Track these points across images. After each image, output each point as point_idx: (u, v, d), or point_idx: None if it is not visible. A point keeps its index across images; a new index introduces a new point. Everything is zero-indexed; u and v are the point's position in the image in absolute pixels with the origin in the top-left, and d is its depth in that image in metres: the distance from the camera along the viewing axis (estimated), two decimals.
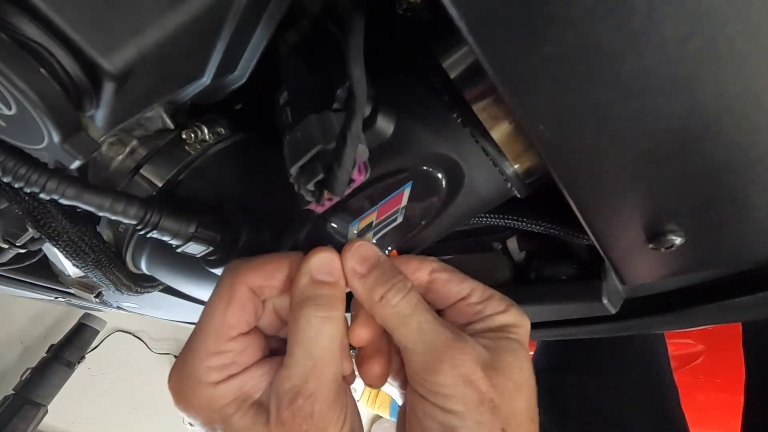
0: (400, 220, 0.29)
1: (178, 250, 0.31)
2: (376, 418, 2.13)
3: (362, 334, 0.28)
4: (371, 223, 0.28)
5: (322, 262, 0.26)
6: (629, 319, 0.40)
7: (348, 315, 0.28)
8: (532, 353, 0.87)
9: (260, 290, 0.27)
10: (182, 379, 0.25)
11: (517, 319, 0.28)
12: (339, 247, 0.27)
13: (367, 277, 0.26)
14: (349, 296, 0.28)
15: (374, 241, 0.28)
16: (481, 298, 0.28)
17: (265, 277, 0.27)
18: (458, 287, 0.28)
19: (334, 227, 0.28)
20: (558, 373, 0.75)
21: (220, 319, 0.25)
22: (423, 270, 0.28)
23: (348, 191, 0.24)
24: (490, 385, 0.25)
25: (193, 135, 0.32)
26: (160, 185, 0.32)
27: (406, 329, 0.26)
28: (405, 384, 0.28)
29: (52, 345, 1.42)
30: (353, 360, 0.29)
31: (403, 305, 0.26)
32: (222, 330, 0.25)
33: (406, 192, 0.28)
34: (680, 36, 0.17)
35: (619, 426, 0.66)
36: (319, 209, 0.24)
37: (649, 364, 0.76)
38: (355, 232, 0.28)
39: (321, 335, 0.25)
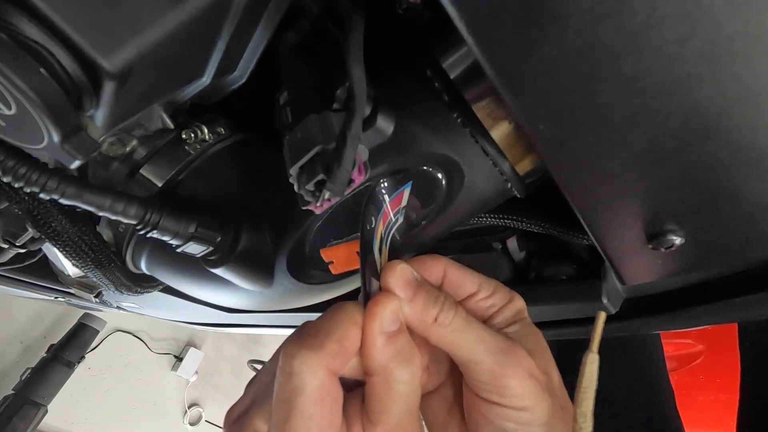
0: (400, 221, 0.29)
1: (178, 250, 0.31)
2: None
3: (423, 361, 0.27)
4: (382, 233, 0.27)
5: (391, 312, 0.24)
6: (629, 319, 0.40)
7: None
8: None
9: (341, 368, 0.24)
10: None
11: (521, 303, 0.29)
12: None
13: (415, 301, 0.25)
14: None
15: (388, 252, 0.28)
16: (488, 292, 0.28)
17: (346, 352, 0.24)
18: (470, 282, 0.28)
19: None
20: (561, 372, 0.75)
21: (326, 428, 0.23)
22: (438, 267, 0.28)
23: (348, 191, 0.24)
24: (541, 372, 0.26)
25: (192, 135, 0.32)
26: (160, 185, 0.32)
27: (467, 344, 0.25)
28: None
29: (52, 345, 1.43)
30: None
31: (458, 321, 0.25)
32: None
33: (407, 192, 0.28)
34: (680, 36, 0.17)
35: (616, 425, 0.66)
36: (319, 209, 0.24)
37: (646, 365, 0.76)
38: (377, 249, 0.27)
39: (413, 386, 0.24)
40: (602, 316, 0.29)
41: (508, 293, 0.29)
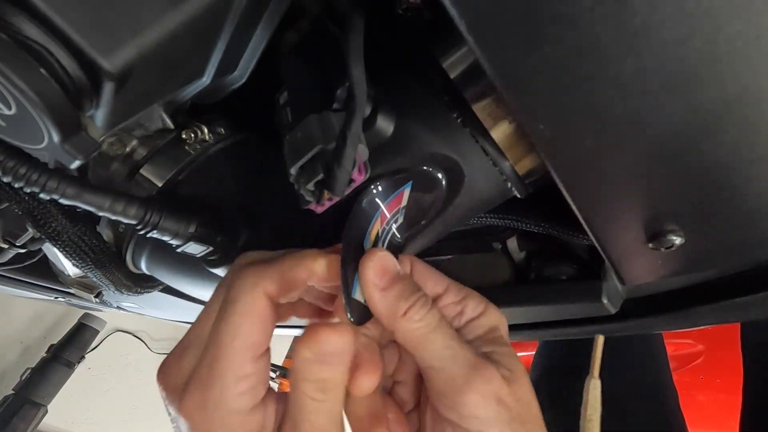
0: (400, 221, 0.29)
1: (178, 250, 0.31)
2: None
3: (368, 384, 0.25)
4: (378, 233, 0.27)
5: (328, 347, 0.23)
6: (629, 319, 0.40)
7: None
8: (533, 353, 0.87)
9: (281, 298, 0.25)
10: (207, 410, 0.22)
11: (498, 318, 0.27)
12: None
13: (389, 291, 0.25)
14: None
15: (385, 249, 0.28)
16: (457, 296, 0.27)
17: (287, 286, 0.24)
18: (435, 281, 0.28)
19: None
20: (559, 374, 0.75)
21: (247, 338, 0.23)
22: (405, 264, 0.28)
23: (348, 191, 0.24)
24: (515, 399, 0.24)
25: (193, 135, 0.32)
26: (160, 185, 0.32)
27: (432, 346, 0.24)
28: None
29: (52, 345, 1.43)
30: None
31: (428, 320, 0.24)
32: (250, 350, 0.23)
33: (406, 192, 0.28)
34: (680, 36, 0.17)
35: (620, 425, 0.66)
36: (319, 209, 0.24)
37: (649, 365, 0.76)
38: (370, 246, 0.26)
39: (312, 419, 0.23)
40: (600, 340, 0.28)
41: (482, 304, 0.27)
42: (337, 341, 0.23)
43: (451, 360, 0.24)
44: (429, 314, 0.25)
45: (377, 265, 0.25)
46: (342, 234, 0.25)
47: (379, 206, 0.27)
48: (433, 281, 0.28)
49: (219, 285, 0.26)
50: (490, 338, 0.26)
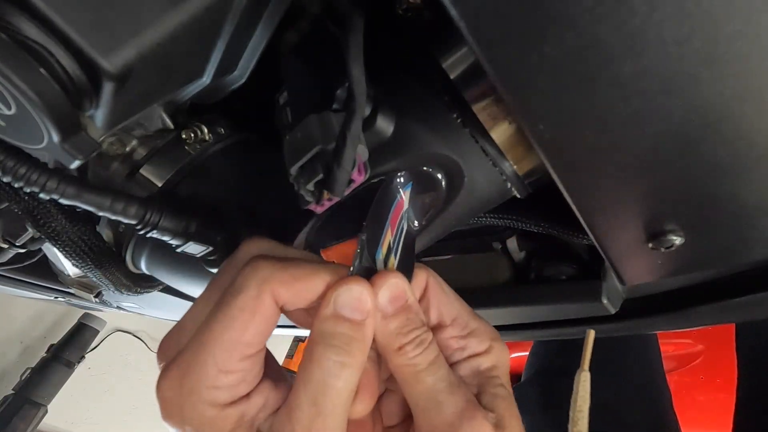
0: (405, 225, 0.29)
1: (178, 250, 0.31)
2: None
3: (360, 408, 0.24)
4: (390, 243, 0.26)
5: (351, 296, 0.22)
6: (629, 319, 0.40)
7: None
8: (527, 353, 0.88)
9: (286, 305, 0.23)
10: (182, 394, 0.22)
11: (500, 358, 0.26)
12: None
13: (392, 321, 0.23)
14: None
15: (397, 263, 0.26)
16: (462, 332, 0.26)
17: (297, 293, 0.23)
18: (445, 307, 0.26)
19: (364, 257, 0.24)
20: (556, 375, 0.75)
21: (240, 334, 0.22)
22: (420, 278, 0.26)
23: (347, 191, 0.23)
24: None
25: (192, 135, 0.32)
26: (159, 185, 0.32)
27: (422, 386, 0.23)
28: None
29: (52, 345, 1.43)
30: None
31: (422, 358, 0.23)
32: (239, 347, 0.22)
33: (407, 193, 0.28)
34: (680, 36, 0.17)
35: (616, 426, 0.66)
36: (319, 209, 0.24)
37: (645, 365, 0.76)
38: (382, 258, 0.25)
39: (329, 382, 0.21)
40: (591, 335, 0.28)
41: (487, 341, 0.26)
42: (358, 289, 0.22)
43: (437, 405, 0.23)
44: (425, 353, 0.23)
45: (388, 291, 0.23)
46: (365, 220, 0.24)
47: (398, 194, 0.26)
48: (443, 307, 0.26)
49: (227, 264, 0.25)
50: (487, 377, 0.25)
